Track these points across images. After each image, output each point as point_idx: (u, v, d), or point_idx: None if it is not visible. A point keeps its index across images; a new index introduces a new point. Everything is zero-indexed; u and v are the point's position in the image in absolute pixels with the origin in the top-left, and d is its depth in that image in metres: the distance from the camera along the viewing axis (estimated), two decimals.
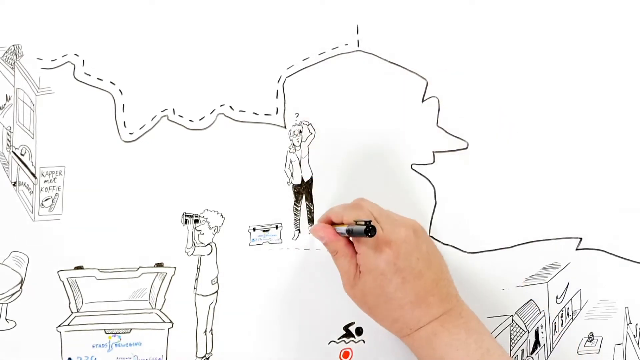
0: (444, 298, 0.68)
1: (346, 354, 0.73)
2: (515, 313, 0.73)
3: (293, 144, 0.75)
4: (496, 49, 0.77)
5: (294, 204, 0.75)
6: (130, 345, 0.73)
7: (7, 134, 0.77)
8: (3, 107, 0.77)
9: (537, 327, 0.79)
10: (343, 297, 0.73)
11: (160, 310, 0.73)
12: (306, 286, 0.74)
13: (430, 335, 0.67)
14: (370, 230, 0.62)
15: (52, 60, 0.77)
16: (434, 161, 0.77)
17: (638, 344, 0.81)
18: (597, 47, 0.77)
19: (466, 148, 0.77)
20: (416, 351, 0.69)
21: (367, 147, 0.76)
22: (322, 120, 0.76)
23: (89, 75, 0.77)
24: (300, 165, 0.75)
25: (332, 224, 0.71)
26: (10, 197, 0.75)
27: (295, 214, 0.75)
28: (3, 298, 0.73)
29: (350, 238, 0.69)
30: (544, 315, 0.79)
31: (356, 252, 0.68)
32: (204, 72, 0.77)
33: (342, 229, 0.68)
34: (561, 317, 0.79)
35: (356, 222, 0.65)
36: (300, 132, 0.76)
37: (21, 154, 0.76)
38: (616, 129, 0.76)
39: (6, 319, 0.73)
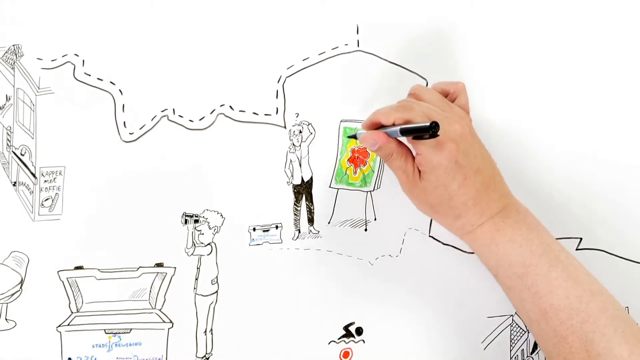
0: (502, 193, 0.68)
1: (346, 354, 0.73)
2: (516, 313, 0.73)
3: (293, 144, 0.75)
4: (496, 48, 0.77)
5: (294, 204, 0.75)
6: (130, 345, 0.73)
7: (7, 134, 0.77)
8: (3, 107, 0.77)
9: None
10: (343, 297, 0.73)
11: (160, 310, 0.73)
12: (306, 286, 0.74)
13: (493, 231, 0.67)
14: (433, 127, 0.60)
15: (52, 60, 0.77)
16: None
17: None
18: (597, 47, 0.77)
19: None
20: (479, 249, 0.69)
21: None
22: (322, 120, 0.76)
23: (89, 75, 0.77)
24: (300, 165, 0.75)
25: (379, 127, 0.68)
26: (10, 197, 0.75)
27: (295, 214, 0.75)
28: (3, 298, 0.73)
29: (404, 139, 0.67)
30: None
31: (410, 152, 0.67)
32: (204, 72, 0.77)
33: (393, 130, 0.66)
34: None
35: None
36: (300, 132, 0.76)
37: (21, 154, 0.76)
38: (616, 129, 0.76)
39: (6, 319, 0.73)
